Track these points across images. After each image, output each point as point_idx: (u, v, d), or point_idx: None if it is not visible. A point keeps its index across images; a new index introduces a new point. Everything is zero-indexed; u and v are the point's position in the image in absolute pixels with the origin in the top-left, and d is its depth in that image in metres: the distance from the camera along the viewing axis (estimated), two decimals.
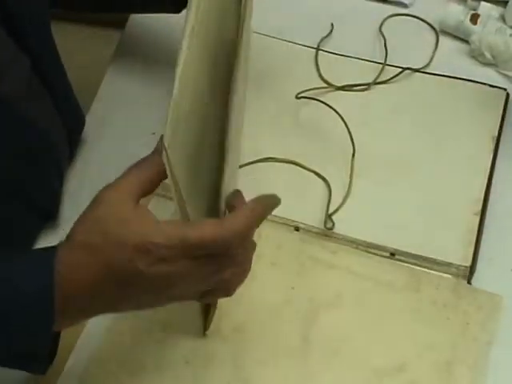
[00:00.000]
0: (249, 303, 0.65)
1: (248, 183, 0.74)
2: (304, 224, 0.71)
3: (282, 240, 0.70)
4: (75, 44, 0.87)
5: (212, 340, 0.63)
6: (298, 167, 0.75)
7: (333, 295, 0.66)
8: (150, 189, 0.52)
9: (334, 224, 0.70)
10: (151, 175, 0.52)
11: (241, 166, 0.73)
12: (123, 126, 0.80)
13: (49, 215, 0.72)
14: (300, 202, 0.72)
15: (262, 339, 0.63)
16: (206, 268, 0.50)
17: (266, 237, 0.68)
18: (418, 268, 0.67)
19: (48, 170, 0.71)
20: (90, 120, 0.79)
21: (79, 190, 0.74)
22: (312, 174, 0.75)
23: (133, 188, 0.51)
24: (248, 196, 0.53)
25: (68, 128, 0.73)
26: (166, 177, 0.49)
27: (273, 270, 0.67)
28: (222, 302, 0.63)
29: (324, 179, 0.74)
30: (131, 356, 0.63)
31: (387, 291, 0.66)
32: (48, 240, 0.69)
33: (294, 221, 0.71)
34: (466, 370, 0.61)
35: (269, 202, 0.54)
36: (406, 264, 0.68)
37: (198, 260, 0.49)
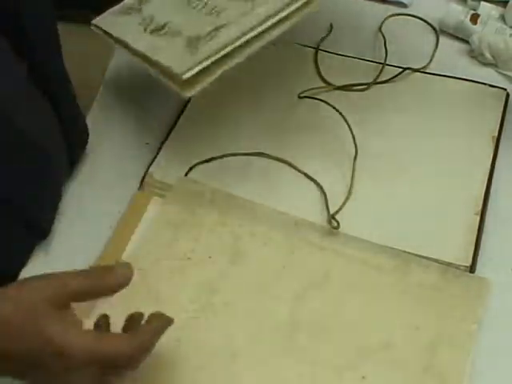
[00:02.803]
0: (240, 280, 0.67)
1: (241, 176, 0.74)
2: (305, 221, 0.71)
3: (275, 222, 0.70)
4: (75, 44, 0.87)
5: (203, 314, 0.65)
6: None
7: (321, 275, 0.67)
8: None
9: (338, 224, 0.70)
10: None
11: (233, 155, 0.73)
12: (122, 131, 0.80)
13: (43, 232, 0.70)
14: (295, 202, 0.72)
15: (251, 315, 0.65)
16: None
17: (260, 217, 0.70)
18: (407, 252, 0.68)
19: (45, 184, 0.69)
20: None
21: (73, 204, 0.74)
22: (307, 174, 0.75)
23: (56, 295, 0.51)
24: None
25: (70, 142, 0.72)
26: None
27: (264, 249, 0.69)
28: (214, 279, 0.66)
29: (315, 181, 0.74)
30: None
31: (375, 273, 0.66)
32: (38, 263, 0.68)
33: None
34: (449, 350, 0.61)
35: (163, 325, 0.55)
36: (395, 248, 0.68)
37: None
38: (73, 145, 0.73)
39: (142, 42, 0.68)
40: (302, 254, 0.68)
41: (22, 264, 0.68)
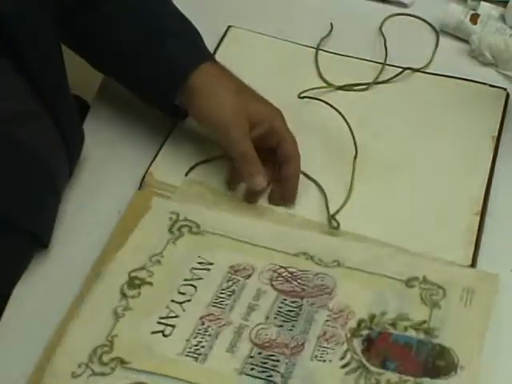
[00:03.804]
0: None
1: None
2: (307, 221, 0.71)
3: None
4: None
5: None
6: None
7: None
8: None
9: (339, 224, 0.70)
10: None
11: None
12: (122, 131, 0.80)
13: (42, 239, 0.69)
14: (295, 202, 0.73)
15: None
16: None
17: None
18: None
19: (45, 193, 0.69)
20: (87, 128, 0.77)
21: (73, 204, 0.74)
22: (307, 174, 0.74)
23: None
24: None
25: (68, 147, 0.71)
26: None
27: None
28: None
29: (315, 181, 0.74)
30: None
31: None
32: (38, 263, 0.68)
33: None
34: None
35: None
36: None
37: None
38: (72, 153, 0.73)
39: None
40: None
41: (23, 269, 0.68)
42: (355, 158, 0.74)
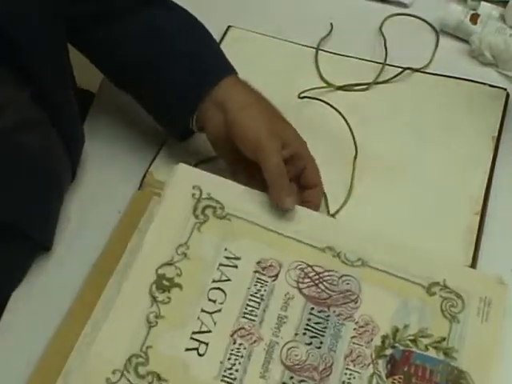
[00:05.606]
0: None
1: None
2: None
3: None
4: None
5: None
6: None
7: None
8: None
9: None
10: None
11: None
12: (122, 131, 0.80)
13: (45, 244, 0.69)
14: None
15: None
16: None
17: None
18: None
19: (48, 196, 0.69)
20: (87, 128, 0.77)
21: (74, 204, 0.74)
22: None
23: None
24: None
25: (70, 150, 0.71)
26: None
27: None
28: None
29: None
30: None
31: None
32: (37, 263, 0.69)
33: None
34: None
35: None
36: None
37: None
38: (74, 155, 0.73)
39: None
40: None
41: (24, 273, 0.68)
42: (355, 158, 0.74)
